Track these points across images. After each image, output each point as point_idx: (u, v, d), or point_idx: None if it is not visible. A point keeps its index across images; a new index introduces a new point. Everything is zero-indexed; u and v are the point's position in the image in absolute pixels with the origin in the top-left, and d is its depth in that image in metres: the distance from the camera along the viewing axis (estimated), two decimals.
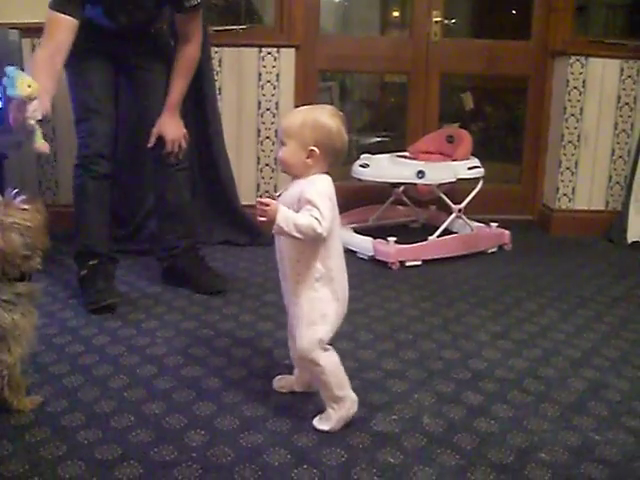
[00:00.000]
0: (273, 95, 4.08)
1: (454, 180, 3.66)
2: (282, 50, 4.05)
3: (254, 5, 4.74)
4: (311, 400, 2.12)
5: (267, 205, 1.82)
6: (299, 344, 1.94)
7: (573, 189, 4.29)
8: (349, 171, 3.82)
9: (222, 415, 2.05)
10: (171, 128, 2.95)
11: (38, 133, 2.28)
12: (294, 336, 1.99)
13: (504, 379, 2.34)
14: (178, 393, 2.18)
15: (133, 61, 2.97)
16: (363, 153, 3.89)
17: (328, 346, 1.96)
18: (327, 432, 1.96)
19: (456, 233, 3.84)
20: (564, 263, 3.70)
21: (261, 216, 1.84)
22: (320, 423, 1.99)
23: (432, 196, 3.85)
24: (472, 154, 3.85)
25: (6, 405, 2.00)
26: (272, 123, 4.09)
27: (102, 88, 2.89)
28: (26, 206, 1.95)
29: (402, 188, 4.01)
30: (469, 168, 3.73)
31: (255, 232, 3.73)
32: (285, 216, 1.82)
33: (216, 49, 3.89)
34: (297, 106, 3.98)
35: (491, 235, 3.88)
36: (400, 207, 4.22)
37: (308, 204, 1.83)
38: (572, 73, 4.15)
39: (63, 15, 2.58)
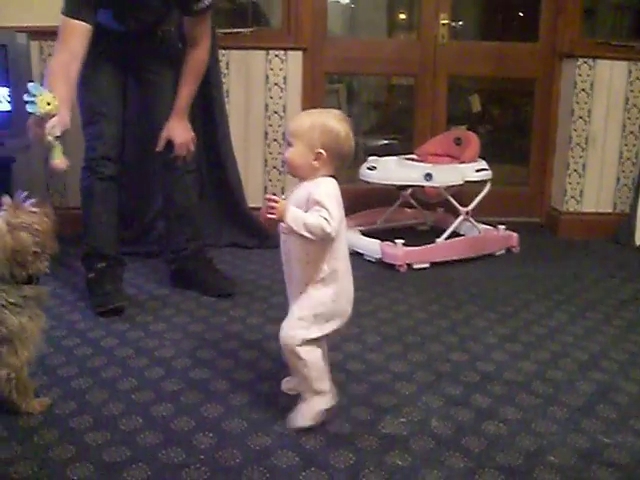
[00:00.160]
0: (280, 98, 4.08)
1: (462, 182, 3.65)
2: (289, 52, 4.06)
3: (261, 7, 4.74)
4: None
5: (276, 202, 1.83)
6: (283, 333, 1.94)
7: (581, 191, 4.28)
8: (357, 173, 3.82)
9: (230, 417, 2.06)
10: (180, 132, 2.95)
11: (56, 150, 2.28)
12: None
13: (512, 382, 2.33)
14: (186, 395, 2.19)
15: (141, 64, 2.98)
16: (370, 155, 3.88)
17: (314, 343, 1.95)
18: (304, 428, 1.97)
19: (464, 235, 3.84)
20: (572, 266, 3.69)
21: (270, 214, 1.85)
22: (295, 420, 1.99)
23: (440, 198, 3.84)
24: (480, 156, 3.85)
25: (15, 407, 2.01)
26: (279, 126, 4.09)
27: (109, 91, 2.90)
28: (35, 209, 1.96)
29: (410, 190, 4.00)
30: (477, 170, 3.73)
31: (263, 234, 3.73)
32: (294, 215, 1.83)
33: (223, 52, 3.89)
34: (304, 109, 4.05)
35: (499, 237, 3.87)
36: (408, 209, 4.22)
37: (317, 205, 1.84)
38: (580, 75, 4.15)
39: (77, 21, 2.58)
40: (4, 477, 1.76)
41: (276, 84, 4.06)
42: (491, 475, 1.81)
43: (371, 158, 3.83)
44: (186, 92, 2.95)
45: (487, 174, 3.76)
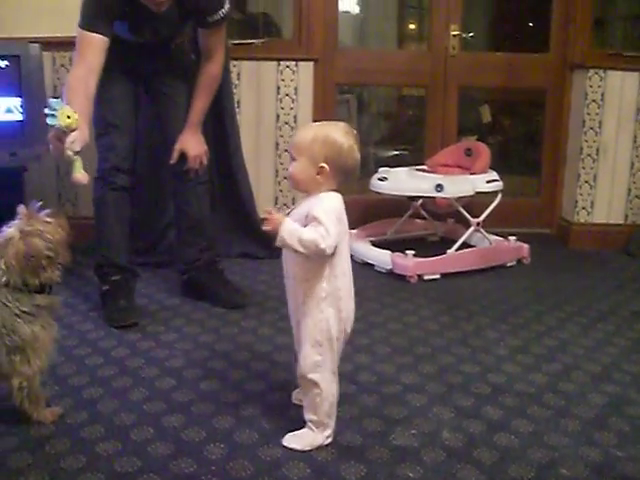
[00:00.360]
0: (291, 108, 4.09)
1: (472, 193, 3.65)
2: (300, 63, 4.07)
3: (273, 18, 4.76)
4: None
5: (271, 214, 1.84)
6: (301, 364, 1.94)
7: (592, 202, 4.27)
8: (367, 184, 3.82)
9: (241, 428, 2.05)
10: (193, 145, 2.97)
11: (77, 164, 2.29)
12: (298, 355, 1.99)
13: (524, 394, 2.33)
14: (197, 406, 2.19)
15: (154, 76, 2.99)
16: (381, 166, 3.89)
17: (333, 373, 1.95)
18: (294, 450, 1.95)
19: (474, 247, 3.84)
20: (583, 277, 3.68)
21: (266, 226, 1.86)
22: (292, 440, 1.98)
23: (450, 209, 3.84)
24: (490, 167, 3.84)
25: (26, 417, 2.01)
26: (290, 136, 4.09)
27: (123, 103, 2.92)
28: (49, 219, 1.97)
29: (420, 201, 4.00)
30: (487, 181, 3.72)
31: (273, 245, 3.72)
32: (289, 229, 1.82)
33: (235, 62, 3.91)
34: (315, 119, 4.07)
35: (510, 249, 3.86)
36: (418, 220, 4.21)
37: (314, 221, 1.83)
38: (591, 86, 4.14)
39: (94, 34, 2.59)
40: None
41: (287, 95, 4.08)
42: None
43: (382, 169, 3.84)
44: (200, 105, 2.96)
45: (498, 185, 3.75)
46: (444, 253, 3.61)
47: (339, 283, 1.91)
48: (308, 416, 1.98)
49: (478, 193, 3.68)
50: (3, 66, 3.16)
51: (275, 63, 4.05)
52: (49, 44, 3.58)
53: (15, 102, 3.21)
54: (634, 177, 4.25)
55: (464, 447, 1.99)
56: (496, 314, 3.07)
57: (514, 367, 2.53)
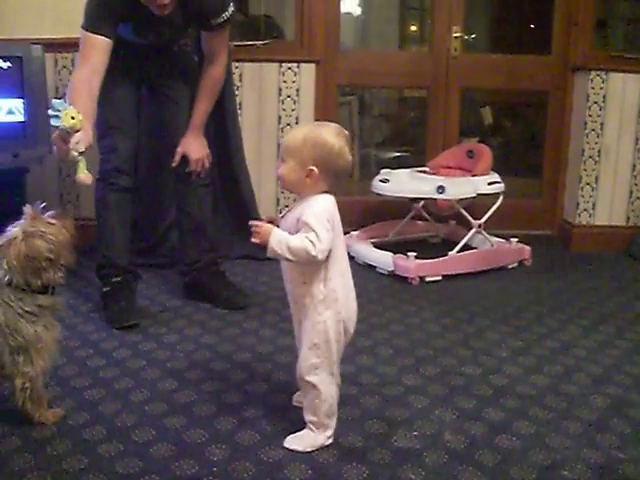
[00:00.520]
0: (293, 110, 4.09)
1: (474, 195, 3.65)
2: (302, 65, 4.07)
3: (274, 20, 4.77)
4: None
5: (259, 227, 1.83)
6: (299, 366, 1.94)
7: (593, 204, 4.27)
8: (369, 186, 3.83)
9: (243, 430, 2.06)
10: (195, 148, 2.97)
11: (81, 165, 2.28)
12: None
13: (526, 396, 2.32)
14: (199, 407, 2.19)
15: (157, 78, 3.00)
16: (383, 168, 3.89)
17: (331, 375, 1.95)
18: (295, 451, 1.95)
19: (476, 248, 3.83)
20: (585, 279, 3.68)
21: (254, 238, 1.85)
22: (293, 442, 1.98)
23: (452, 211, 3.84)
24: (492, 169, 3.84)
25: (28, 417, 2.01)
26: None
27: (125, 105, 2.92)
28: (53, 220, 1.97)
29: (422, 203, 4.00)
30: (489, 183, 3.73)
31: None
32: (278, 239, 1.82)
33: (237, 64, 3.91)
34: (317, 120, 4.05)
35: (511, 250, 3.86)
36: (420, 222, 4.21)
37: (305, 226, 1.82)
38: (592, 88, 4.14)
39: (97, 36, 2.60)
40: None
41: (289, 96, 4.08)
42: None
43: (383, 171, 3.84)
44: (202, 108, 2.97)
45: (499, 187, 3.75)
46: (446, 255, 3.61)
47: (335, 284, 1.91)
48: (308, 417, 1.98)
49: (480, 195, 3.68)
50: (5, 67, 3.17)
51: (277, 65, 4.05)
52: (51, 45, 3.58)
53: (17, 103, 3.21)
54: (636, 179, 4.24)
55: (466, 449, 1.99)
56: (498, 316, 3.06)
57: (516, 369, 2.53)
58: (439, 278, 3.54)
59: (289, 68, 4.06)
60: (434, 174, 3.85)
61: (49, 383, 2.18)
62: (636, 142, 4.20)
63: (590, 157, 4.21)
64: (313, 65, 4.10)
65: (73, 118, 2.25)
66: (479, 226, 3.74)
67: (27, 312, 1.94)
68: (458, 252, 3.64)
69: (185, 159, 2.97)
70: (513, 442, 2.03)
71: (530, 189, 4.73)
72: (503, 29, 5.54)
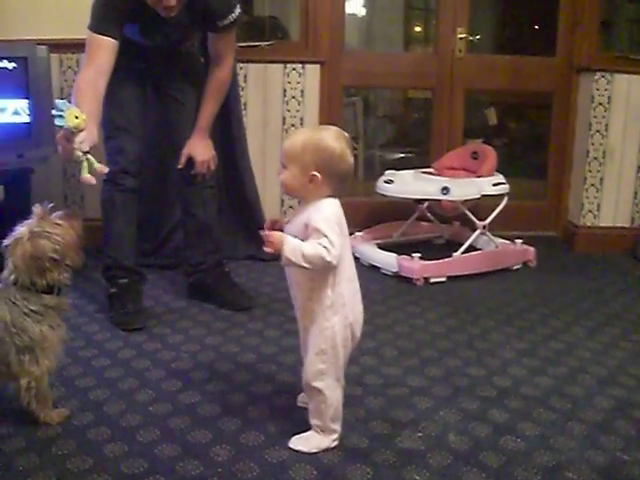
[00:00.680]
0: (298, 111, 4.09)
1: (479, 196, 3.65)
2: (307, 66, 4.07)
3: (279, 21, 4.77)
4: None
5: (271, 236, 1.81)
6: (306, 371, 1.94)
7: (598, 205, 4.26)
8: (373, 187, 3.83)
9: (247, 430, 2.06)
10: (201, 150, 2.97)
11: (85, 164, 2.28)
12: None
13: (530, 397, 2.32)
14: (203, 408, 2.19)
15: (163, 80, 3.00)
16: (387, 169, 3.89)
17: (337, 380, 1.95)
18: (300, 452, 1.95)
19: (480, 249, 3.83)
20: (589, 280, 3.68)
21: (267, 248, 1.82)
22: (298, 442, 1.98)
23: (456, 212, 3.84)
24: (496, 170, 3.84)
25: (33, 417, 2.02)
26: None
27: (132, 106, 2.92)
28: (59, 221, 1.98)
29: (426, 204, 4.00)
30: (494, 184, 3.72)
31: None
32: (292, 247, 1.79)
33: (241, 65, 3.91)
34: (321, 121, 4.06)
35: (516, 252, 3.86)
36: (424, 223, 4.21)
37: (316, 232, 1.80)
38: (597, 89, 4.13)
39: (103, 37, 2.60)
40: None
41: (294, 97, 4.08)
42: None
43: (388, 172, 3.84)
44: (208, 110, 2.97)
45: (504, 188, 3.75)
46: (450, 256, 3.61)
47: (342, 289, 1.90)
48: (313, 421, 1.98)
49: (484, 196, 3.67)
50: (11, 68, 3.17)
51: (282, 65, 4.05)
52: (56, 46, 3.59)
53: (22, 104, 3.21)
54: None
55: (470, 450, 1.99)
56: (502, 317, 3.06)
57: (520, 370, 2.53)
58: (443, 279, 3.54)
59: (294, 69, 4.06)
60: (439, 175, 3.85)
61: (54, 383, 2.18)
62: None
63: (595, 158, 4.21)
64: (318, 66, 4.10)
65: (77, 118, 2.26)
66: (484, 227, 3.73)
67: (33, 311, 1.94)
68: (462, 253, 3.64)
69: (191, 161, 2.97)
70: (518, 443, 2.03)
71: (535, 190, 4.73)
72: (508, 30, 5.54)
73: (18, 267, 1.93)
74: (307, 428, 1.99)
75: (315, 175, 1.82)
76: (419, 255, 3.53)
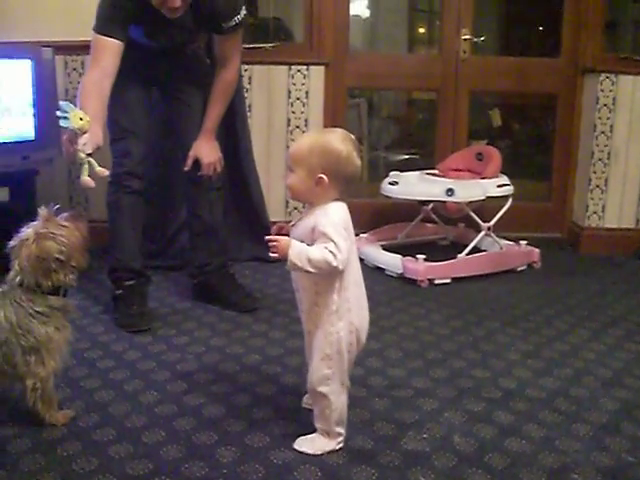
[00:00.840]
0: (302, 112, 4.10)
1: (483, 198, 3.65)
2: (311, 67, 4.08)
3: (284, 23, 4.77)
4: None
5: (277, 241, 1.80)
6: (311, 377, 1.93)
7: (603, 207, 4.26)
8: (378, 188, 3.83)
9: (252, 431, 2.06)
10: (207, 152, 2.97)
11: (86, 167, 2.29)
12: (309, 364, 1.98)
13: (535, 399, 2.32)
14: (208, 409, 2.19)
15: (169, 82, 3.00)
16: (392, 170, 3.89)
17: (342, 385, 1.94)
18: (305, 454, 1.95)
19: (485, 251, 3.83)
20: (594, 282, 3.67)
21: (273, 252, 1.81)
22: (303, 444, 1.98)
23: (461, 214, 3.83)
24: (501, 171, 3.84)
25: (38, 418, 2.02)
26: None
27: (137, 108, 2.92)
28: (65, 223, 1.98)
29: (431, 206, 4.00)
30: (498, 186, 3.72)
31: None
32: (298, 251, 1.78)
33: (246, 66, 3.91)
34: (326, 123, 4.07)
35: (520, 253, 3.85)
36: (429, 225, 4.21)
37: (323, 237, 1.79)
38: (602, 90, 4.13)
39: (109, 38, 2.60)
40: None
41: (298, 99, 4.08)
42: None
43: (392, 173, 3.84)
44: (215, 113, 2.97)
45: (509, 189, 3.75)
46: (455, 257, 3.61)
47: (349, 294, 1.89)
48: (318, 425, 1.98)
49: (489, 197, 3.67)
50: (16, 69, 3.18)
51: (286, 67, 4.06)
52: (61, 48, 3.60)
53: (27, 106, 3.22)
54: None
55: (475, 452, 1.99)
56: (507, 319, 3.06)
57: (525, 372, 2.53)
58: (448, 281, 3.53)
59: (298, 70, 4.06)
60: (443, 176, 3.85)
61: (59, 385, 2.18)
62: None
63: (599, 160, 4.20)
64: (322, 67, 4.10)
65: (81, 119, 2.26)
66: (488, 229, 3.73)
67: (38, 313, 1.95)
68: (467, 255, 3.64)
69: (197, 163, 2.97)
70: (522, 445, 2.03)
71: (539, 192, 4.72)
72: (512, 31, 5.54)
73: (23, 268, 1.93)
74: (312, 429, 1.99)
75: (322, 178, 1.81)
76: (424, 257, 3.53)
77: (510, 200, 3.77)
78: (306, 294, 1.92)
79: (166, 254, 3.71)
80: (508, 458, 1.96)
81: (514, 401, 2.30)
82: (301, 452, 1.95)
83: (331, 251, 1.76)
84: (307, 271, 1.79)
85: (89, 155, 2.29)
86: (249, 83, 4.01)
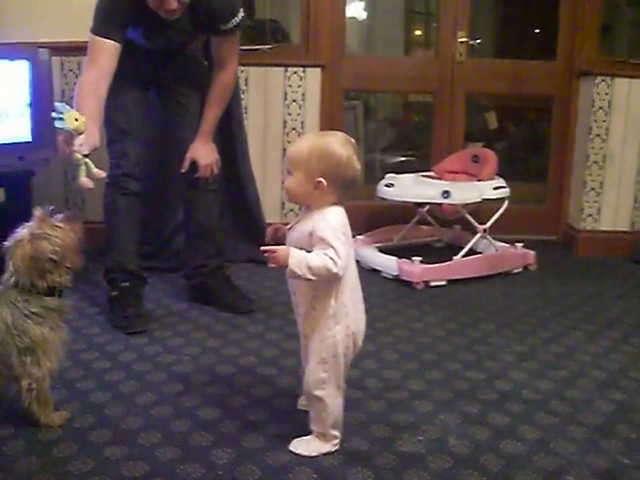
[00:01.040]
0: (299, 114, 4.10)
1: (479, 200, 3.65)
2: (308, 69, 4.08)
3: (280, 25, 4.77)
4: None
5: (274, 252, 1.78)
6: (307, 380, 1.93)
7: (598, 209, 4.27)
8: (374, 190, 3.83)
9: (248, 433, 2.06)
10: (204, 154, 2.97)
11: (83, 168, 2.29)
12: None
13: (530, 400, 2.33)
14: (204, 411, 2.19)
15: (167, 83, 3.01)
16: (388, 172, 3.89)
17: (338, 388, 1.94)
18: (300, 455, 1.95)
19: (481, 253, 3.84)
20: (589, 284, 3.68)
21: (272, 263, 1.80)
22: (299, 445, 1.97)
23: (457, 216, 3.84)
24: (497, 174, 3.85)
25: (34, 419, 2.02)
26: None
27: (135, 109, 2.92)
28: (60, 224, 1.98)
29: (427, 208, 4.00)
30: (494, 188, 3.73)
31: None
32: (297, 260, 1.77)
33: (242, 68, 3.91)
34: (322, 125, 4.08)
35: (516, 255, 3.86)
36: (425, 227, 4.21)
37: (321, 242, 1.78)
38: (598, 93, 4.14)
39: (106, 40, 2.61)
40: None
41: (294, 101, 4.09)
42: None
43: (388, 175, 3.84)
44: (212, 115, 2.97)
45: (505, 192, 3.75)
46: (450, 259, 3.61)
47: (346, 298, 1.88)
48: (314, 427, 1.98)
49: (485, 200, 3.68)
50: (12, 70, 3.17)
51: (282, 69, 4.06)
52: (58, 49, 3.59)
53: (24, 106, 3.21)
54: None
55: (470, 454, 1.99)
56: (502, 321, 3.07)
57: (520, 374, 2.53)
58: (444, 283, 3.54)
59: (295, 72, 4.07)
60: (439, 179, 3.85)
61: (55, 386, 2.17)
62: None
63: (595, 162, 4.21)
64: (319, 70, 4.10)
65: (77, 120, 2.26)
66: (484, 231, 3.74)
67: (34, 313, 1.95)
68: (463, 257, 3.65)
69: (194, 165, 2.97)
70: (518, 447, 2.03)
71: (535, 194, 4.72)
72: (508, 34, 5.54)
73: (18, 269, 1.93)
74: (308, 431, 1.99)
75: (321, 182, 1.80)
76: (419, 259, 3.53)
77: (506, 202, 3.78)
78: (303, 298, 1.91)
79: (162, 255, 3.71)
80: (503, 460, 1.96)
81: (509, 403, 2.30)
82: (297, 454, 1.95)
83: (331, 258, 1.76)
84: (307, 279, 1.78)
85: (86, 156, 2.28)
86: (245, 85, 4.02)
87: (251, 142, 3.84)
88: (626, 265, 4.09)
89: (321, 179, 1.80)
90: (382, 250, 3.83)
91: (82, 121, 2.28)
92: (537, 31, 5.31)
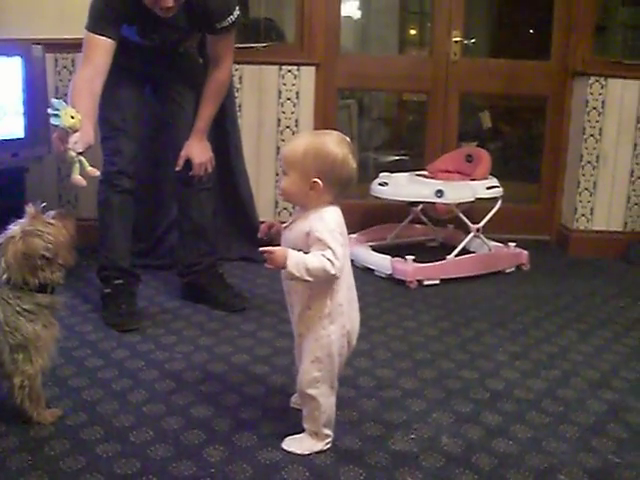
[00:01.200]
0: (293, 113, 4.10)
1: (473, 199, 3.66)
2: (302, 68, 4.08)
3: (275, 23, 4.77)
4: None
5: (272, 252, 1.77)
6: (300, 379, 1.93)
7: (591, 209, 4.27)
8: (368, 189, 3.83)
9: (240, 431, 2.06)
10: (199, 152, 2.96)
11: (77, 166, 2.28)
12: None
13: (522, 400, 2.33)
14: (197, 409, 2.19)
15: (162, 81, 3.00)
16: (382, 171, 3.89)
17: (331, 388, 1.94)
18: (293, 453, 1.95)
19: (474, 252, 3.84)
20: (582, 284, 3.68)
21: (269, 264, 1.79)
22: (291, 444, 1.97)
23: (450, 215, 3.84)
24: (490, 173, 3.85)
25: (26, 417, 2.02)
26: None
27: (129, 107, 2.91)
28: (52, 221, 1.98)
29: (420, 207, 4.00)
30: (488, 188, 3.73)
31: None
32: (295, 261, 1.76)
33: (237, 66, 3.90)
34: (316, 124, 4.08)
35: (509, 255, 3.87)
36: (418, 226, 4.21)
37: (319, 243, 1.77)
38: (591, 94, 4.15)
39: (101, 37, 2.60)
40: None
41: (289, 99, 4.08)
42: None
43: (382, 174, 3.84)
44: (207, 113, 2.96)
45: (498, 191, 3.76)
46: (444, 259, 3.62)
47: (341, 298, 1.88)
48: (307, 426, 1.98)
49: (478, 199, 3.68)
50: (6, 67, 3.17)
51: (277, 67, 4.06)
52: (52, 46, 3.59)
53: (17, 103, 3.21)
54: (634, 185, 4.25)
55: (463, 452, 1.99)
56: (495, 320, 3.07)
57: (513, 373, 2.54)
58: (437, 282, 3.54)
59: (289, 71, 4.06)
60: (433, 178, 3.85)
61: (47, 383, 2.17)
62: (634, 148, 4.21)
63: (588, 162, 4.22)
64: (313, 68, 4.10)
65: (72, 118, 2.26)
66: (477, 230, 3.74)
67: (26, 310, 1.95)
68: (456, 256, 3.65)
69: (188, 163, 2.96)
70: (510, 446, 2.03)
71: (528, 194, 4.73)
72: (503, 34, 5.55)
73: (10, 266, 1.93)
74: (300, 429, 1.99)
75: (316, 182, 1.79)
76: (413, 258, 3.53)
77: (499, 202, 3.78)
78: (299, 297, 1.90)
79: (155, 253, 3.70)
80: (495, 459, 1.96)
81: (502, 402, 2.30)
82: (289, 452, 1.95)
83: (329, 259, 1.75)
84: (305, 280, 1.77)
85: (80, 154, 2.28)
86: (240, 83, 4.01)
87: (245, 140, 3.84)
88: (619, 265, 4.10)
89: (317, 179, 1.80)
90: (375, 249, 3.83)
91: (78, 119, 2.28)
92: (531, 31, 5.33)
